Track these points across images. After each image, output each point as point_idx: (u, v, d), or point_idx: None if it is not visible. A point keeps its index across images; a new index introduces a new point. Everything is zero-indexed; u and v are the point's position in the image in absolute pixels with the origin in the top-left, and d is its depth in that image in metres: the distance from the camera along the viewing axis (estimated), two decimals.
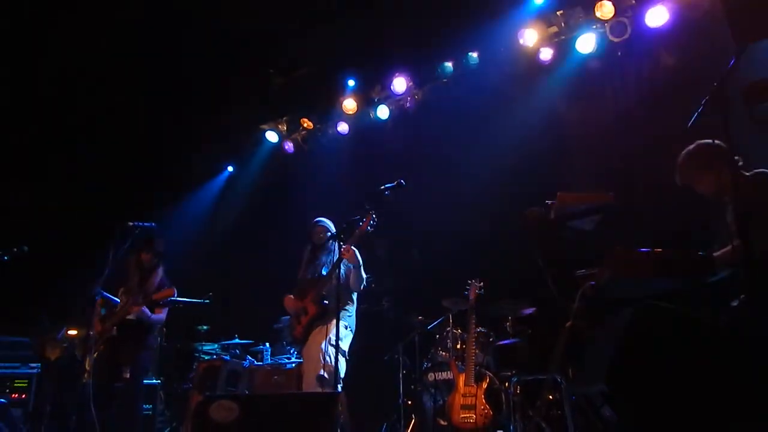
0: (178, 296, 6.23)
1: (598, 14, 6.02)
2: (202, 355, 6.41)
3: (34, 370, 5.85)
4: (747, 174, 3.06)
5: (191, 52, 7.02)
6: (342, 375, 4.47)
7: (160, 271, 5.09)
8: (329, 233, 4.88)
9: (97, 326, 4.78)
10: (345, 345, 4.64)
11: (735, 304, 2.90)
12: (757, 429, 2.09)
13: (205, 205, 8.76)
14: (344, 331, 4.64)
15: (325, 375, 4.32)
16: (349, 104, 7.60)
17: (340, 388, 4.40)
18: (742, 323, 2.45)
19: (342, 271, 4.55)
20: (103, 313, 4.92)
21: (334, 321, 4.34)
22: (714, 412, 2.14)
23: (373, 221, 4.66)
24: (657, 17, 5.78)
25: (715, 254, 2.82)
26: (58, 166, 7.62)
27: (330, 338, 4.41)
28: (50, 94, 7.32)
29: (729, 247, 2.89)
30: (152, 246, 5.13)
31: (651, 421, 2.23)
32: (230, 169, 8.95)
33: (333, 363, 4.39)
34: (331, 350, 4.42)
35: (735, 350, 2.21)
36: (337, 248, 4.46)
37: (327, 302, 4.61)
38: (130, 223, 4.55)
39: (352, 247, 4.63)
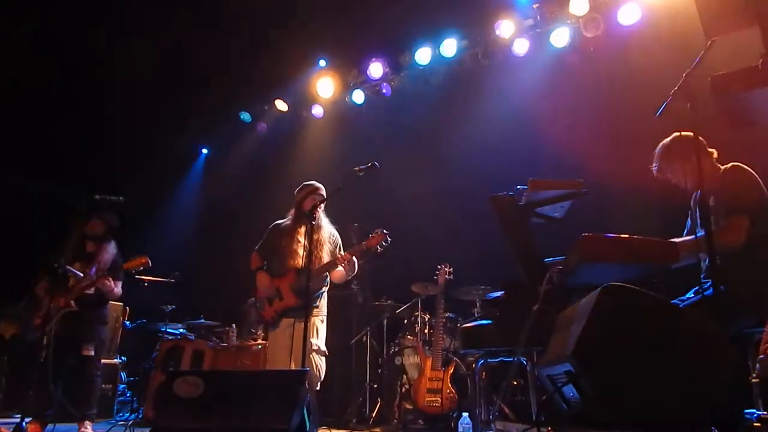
0: (144, 275, 6.12)
1: (572, 9, 6.12)
2: (166, 335, 6.31)
3: None
4: (721, 167, 3.14)
5: (165, 32, 6.88)
6: (323, 374, 4.37)
7: (111, 247, 4.90)
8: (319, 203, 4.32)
9: (53, 301, 4.63)
10: (323, 341, 4.44)
11: (690, 294, 3.02)
12: (718, 409, 2.16)
13: (176, 186, 8.63)
14: (322, 327, 4.46)
15: (310, 376, 4.19)
16: (325, 87, 7.58)
17: (319, 386, 4.35)
18: (706, 306, 2.54)
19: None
20: (54, 289, 4.72)
21: (313, 319, 4.28)
22: (678, 392, 2.20)
23: (386, 242, 4.35)
24: (629, 15, 5.91)
25: (677, 240, 2.90)
26: (28, 144, 7.41)
27: (311, 344, 4.17)
28: (26, 72, 7.11)
29: (693, 237, 2.98)
30: (106, 217, 4.90)
31: (615, 401, 2.28)
32: (204, 151, 8.85)
33: (317, 366, 4.27)
34: (314, 356, 4.25)
35: (699, 332, 2.28)
36: (317, 223, 4.19)
37: (307, 294, 3.96)
38: (97, 196, 4.41)
39: (353, 257, 4.38)
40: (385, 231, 4.38)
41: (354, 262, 4.47)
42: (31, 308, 4.66)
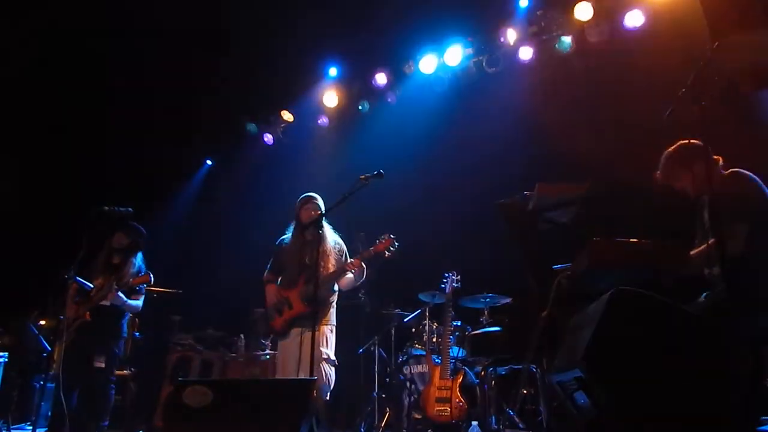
0: (153, 286, 6.15)
1: (576, 15, 6.12)
2: (175, 346, 6.31)
3: (1, 359, 5.69)
4: (724, 173, 3.12)
5: (170, 41, 6.93)
6: (332, 384, 4.34)
7: (137, 259, 4.96)
8: (320, 213, 4.35)
9: (71, 311, 4.67)
10: (333, 350, 4.41)
11: (701, 299, 2.99)
12: (731, 414, 2.13)
13: (182, 197, 8.66)
14: (331, 337, 4.43)
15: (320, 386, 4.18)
16: (330, 97, 7.60)
17: (328, 396, 4.33)
18: (717, 311, 2.51)
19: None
20: (76, 299, 4.78)
21: (322, 329, 4.29)
22: (691, 398, 2.17)
23: (393, 247, 4.33)
24: (634, 19, 5.91)
25: (692, 252, 2.88)
26: (34, 154, 7.46)
27: (322, 353, 4.19)
28: (30, 81, 7.18)
29: (704, 246, 2.95)
30: (129, 229, 4.97)
31: (626, 407, 2.25)
32: (209, 162, 8.89)
33: (326, 376, 4.25)
34: (324, 366, 4.23)
35: (711, 336, 2.25)
36: (321, 234, 4.19)
37: (315, 303, 3.98)
38: (106, 208, 4.44)
39: (362, 263, 4.35)
40: (392, 236, 4.37)
41: (363, 268, 4.45)
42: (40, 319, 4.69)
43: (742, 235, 2.82)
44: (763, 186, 2.99)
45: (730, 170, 3.08)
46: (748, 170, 3.05)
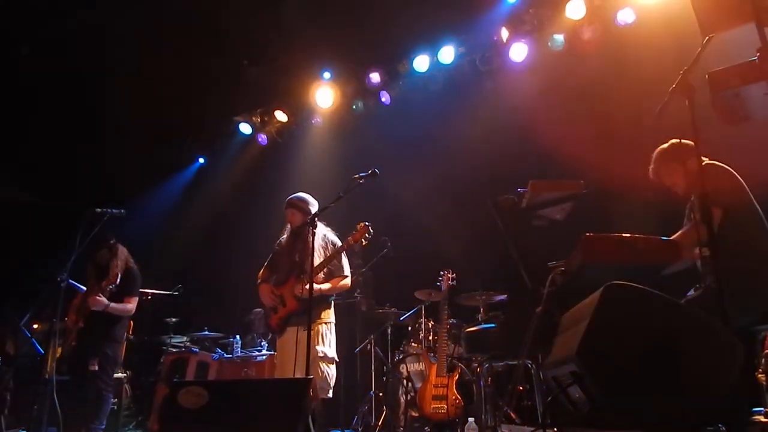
0: (147, 288, 6.14)
1: (568, 14, 6.15)
2: (171, 348, 6.30)
3: None
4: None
5: (163, 39, 6.91)
6: (332, 382, 4.33)
7: (120, 261, 4.89)
8: (308, 218, 4.34)
9: (72, 317, 4.68)
10: (333, 349, 4.41)
11: (691, 292, 3.02)
12: (725, 405, 2.14)
13: (175, 197, 8.64)
14: (329, 334, 4.43)
15: (319, 384, 4.17)
16: (324, 97, 7.59)
17: (331, 394, 4.32)
18: (708, 300, 2.53)
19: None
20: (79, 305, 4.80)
21: (318, 327, 4.29)
22: (684, 391, 2.18)
23: (369, 234, 4.32)
24: (625, 17, 5.94)
25: (675, 236, 2.92)
26: (25, 152, 7.44)
27: (318, 351, 4.20)
28: (19, 79, 7.15)
29: (687, 227, 3.01)
30: (104, 245, 4.93)
31: (620, 401, 2.26)
32: (201, 160, 8.87)
33: (324, 374, 4.25)
34: (322, 365, 4.24)
35: (704, 329, 2.26)
36: (311, 236, 4.20)
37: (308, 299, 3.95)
38: (99, 209, 4.41)
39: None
40: (367, 223, 4.35)
41: (335, 285, 4.44)
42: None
43: (717, 221, 2.88)
44: (737, 176, 3.09)
45: (705, 163, 3.14)
46: (735, 165, 3.10)
